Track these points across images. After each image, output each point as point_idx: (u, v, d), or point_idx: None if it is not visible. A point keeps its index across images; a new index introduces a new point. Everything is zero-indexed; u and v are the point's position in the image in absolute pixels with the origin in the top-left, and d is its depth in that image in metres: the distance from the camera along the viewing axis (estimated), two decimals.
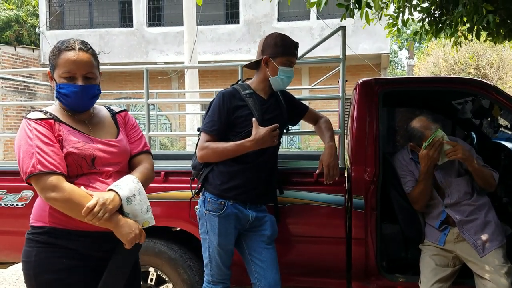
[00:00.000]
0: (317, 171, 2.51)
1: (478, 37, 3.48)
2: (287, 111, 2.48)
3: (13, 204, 2.75)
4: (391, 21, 4.23)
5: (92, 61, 1.73)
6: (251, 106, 2.29)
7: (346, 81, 2.73)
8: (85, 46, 1.72)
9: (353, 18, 3.68)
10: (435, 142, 2.41)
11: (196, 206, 2.41)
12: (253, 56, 2.49)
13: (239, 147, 2.23)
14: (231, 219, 2.27)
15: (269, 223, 2.36)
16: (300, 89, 7.82)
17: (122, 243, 1.69)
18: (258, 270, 2.32)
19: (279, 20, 12.15)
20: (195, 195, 2.44)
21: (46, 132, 1.65)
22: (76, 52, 1.68)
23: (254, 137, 2.19)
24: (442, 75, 13.02)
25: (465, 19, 3.20)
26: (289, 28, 11.57)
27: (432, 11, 3.86)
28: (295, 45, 2.35)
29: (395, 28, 4.28)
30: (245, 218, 2.30)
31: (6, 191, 2.76)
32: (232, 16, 12.64)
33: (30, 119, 1.67)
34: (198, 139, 2.39)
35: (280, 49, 2.31)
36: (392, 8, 4.28)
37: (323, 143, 2.51)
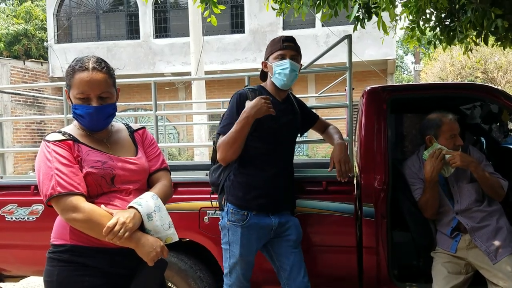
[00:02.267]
0: (329, 169, 2.45)
1: (486, 42, 3.46)
2: (300, 117, 2.48)
3: (24, 218, 2.76)
4: (408, 33, 4.22)
5: (107, 80, 1.70)
6: None
7: (353, 88, 2.73)
8: (99, 65, 1.69)
9: (364, 28, 3.67)
10: (435, 152, 2.43)
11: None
12: (259, 64, 2.50)
13: (240, 123, 2.16)
14: (253, 230, 2.27)
15: (293, 227, 2.36)
16: (307, 97, 7.81)
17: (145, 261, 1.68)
18: (287, 275, 2.33)
19: (284, 28, 12.19)
20: (218, 210, 2.42)
21: (65, 153, 1.66)
22: (89, 72, 1.66)
23: (246, 106, 2.17)
24: (449, 80, 12.96)
25: (474, 24, 3.17)
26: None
27: (443, 19, 3.84)
28: (284, 39, 2.32)
29: (415, 38, 4.26)
30: (268, 227, 2.29)
31: (17, 205, 2.78)
32: (237, 25, 12.73)
33: (48, 141, 1.68)
34: (213, 148, 2.40)
35: (269, 49, 2.37)
36: (405, 20, 4.27)
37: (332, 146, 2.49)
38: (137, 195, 1.74)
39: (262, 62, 2.41)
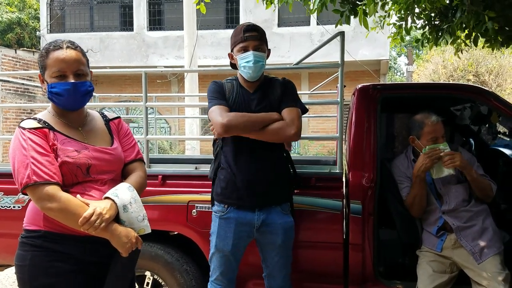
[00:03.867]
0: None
1: (476, 44, 3.48)
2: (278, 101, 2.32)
3: (9, 207, 2.74)
4: (394, 30, 4.21)
5: (81, 58, 1.73)
6: (234, 97, 2.27)
7: (345, 86, 2.73)
8: (72, 44, 1.73)
9: (349, 24, 3.67)
10: (433, 151, 2.42)
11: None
12: None
13: (266, 116, 2.18)
14: (231, 224, 2.24)
15: (280, 231, 2.26)
16: (300, 94, 7.80)
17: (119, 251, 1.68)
18: (268, 272, 2.37)
19: (279, 25, 12.17)
20: (212, 205, 2.39)
21: (41, 141, 1.65)
22: (64, 50, 1.69)
23: None
24: (441, 82, 13.03)
25: (464, 25, 3.19)
26: (289, 34, 11.59)
27: (433, 19, 3.85)
28: (245, 29, 2.19)
29: (399, 36, 4.27)
30: (250, 224, 2.24)
31: (3, 193, 2.76)
32: (232, 21, 12.68)
33: (24, 128, 1.66)
34: (213, 143, 2.42)
35: (232, 40, 2.28)
36: (394, 17, 4.28)
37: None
38: (112, 185, 1.74)
39: (229, 54, 2.33)
